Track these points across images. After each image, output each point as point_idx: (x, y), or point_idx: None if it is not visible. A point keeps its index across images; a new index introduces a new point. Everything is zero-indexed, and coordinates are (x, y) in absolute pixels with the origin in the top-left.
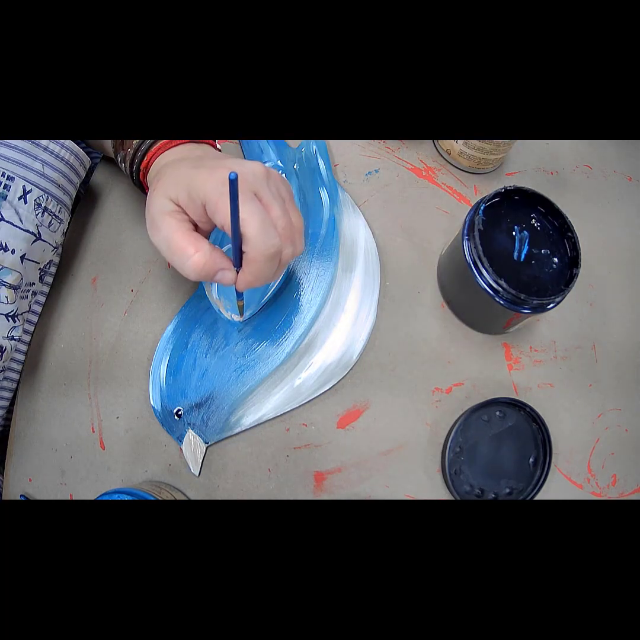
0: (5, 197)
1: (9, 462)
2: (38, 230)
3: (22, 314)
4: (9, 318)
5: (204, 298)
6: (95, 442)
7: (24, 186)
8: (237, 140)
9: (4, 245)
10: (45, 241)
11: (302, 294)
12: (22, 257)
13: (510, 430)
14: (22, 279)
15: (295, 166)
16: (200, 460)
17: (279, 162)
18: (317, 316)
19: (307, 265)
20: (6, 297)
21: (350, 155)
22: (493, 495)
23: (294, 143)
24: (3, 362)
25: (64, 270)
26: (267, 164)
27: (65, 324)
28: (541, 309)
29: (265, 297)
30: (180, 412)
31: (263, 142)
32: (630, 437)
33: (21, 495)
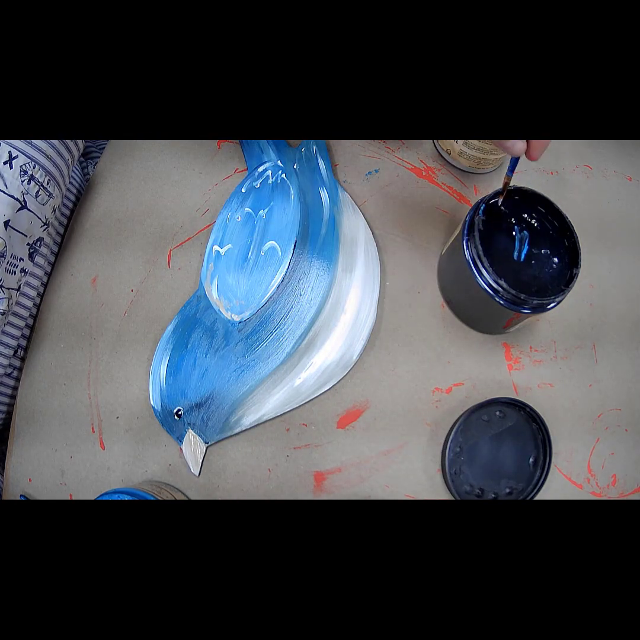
0: None
1: (9, 462)
2: (24, 198)
3: (8, 288)
4: None
5: (204, 298)
6: (95, 442)
7: (9, 151)
8: (237, 140)
9: None
10: (32, 212)
11: (302, 294)
12: (6, 223)
13: (510, 430)
14: (5, 246)
15: (295, 166)
16: (200, 460)
17: (278, 162)
18: (317, 316)
19: (307, 265)
20: None
21: (350, 155)
22: (493, 495)
23: (294, 143)
24: None
25: (64, 269)
26: (267, 164)
27: (65, 324)
28: (541, 309)
29: (265, 297)
30: (180, 412)
31: (263, 142)
32: (630, 437)
33: (21, 495)
